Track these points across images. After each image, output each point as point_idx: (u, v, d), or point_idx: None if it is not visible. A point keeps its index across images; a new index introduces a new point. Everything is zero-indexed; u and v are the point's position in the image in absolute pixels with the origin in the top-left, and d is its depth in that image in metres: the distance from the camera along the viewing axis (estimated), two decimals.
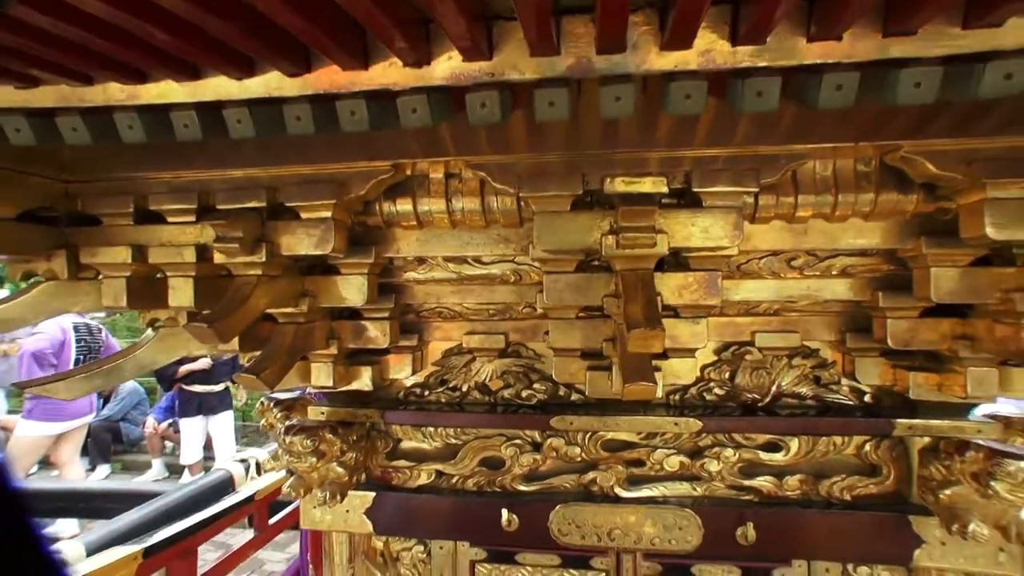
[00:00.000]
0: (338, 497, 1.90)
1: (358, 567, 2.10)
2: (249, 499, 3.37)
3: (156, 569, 2.50)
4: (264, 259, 1.50)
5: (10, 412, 7.74)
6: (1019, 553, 1.66)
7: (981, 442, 1.58)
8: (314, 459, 1.83)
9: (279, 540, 6.35)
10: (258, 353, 1.63)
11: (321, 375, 1.88)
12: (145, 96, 0.94)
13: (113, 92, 0.94)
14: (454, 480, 2.04)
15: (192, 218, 1.57)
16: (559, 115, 0.90)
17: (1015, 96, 1.11)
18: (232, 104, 0.92)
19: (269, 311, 1.74)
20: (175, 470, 8.24)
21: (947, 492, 1.63)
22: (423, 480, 2.05)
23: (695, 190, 1.31)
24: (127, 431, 9.21)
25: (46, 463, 7.02)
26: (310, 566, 3.18)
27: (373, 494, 2.04)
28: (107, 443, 8.90)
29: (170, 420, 8.38)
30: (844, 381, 1.87)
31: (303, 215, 1.52)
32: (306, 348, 1.78)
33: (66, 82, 0.90)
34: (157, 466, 8.61)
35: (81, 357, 6.76)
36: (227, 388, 7.68)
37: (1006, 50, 0.91)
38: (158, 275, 1.67)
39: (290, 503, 3.70)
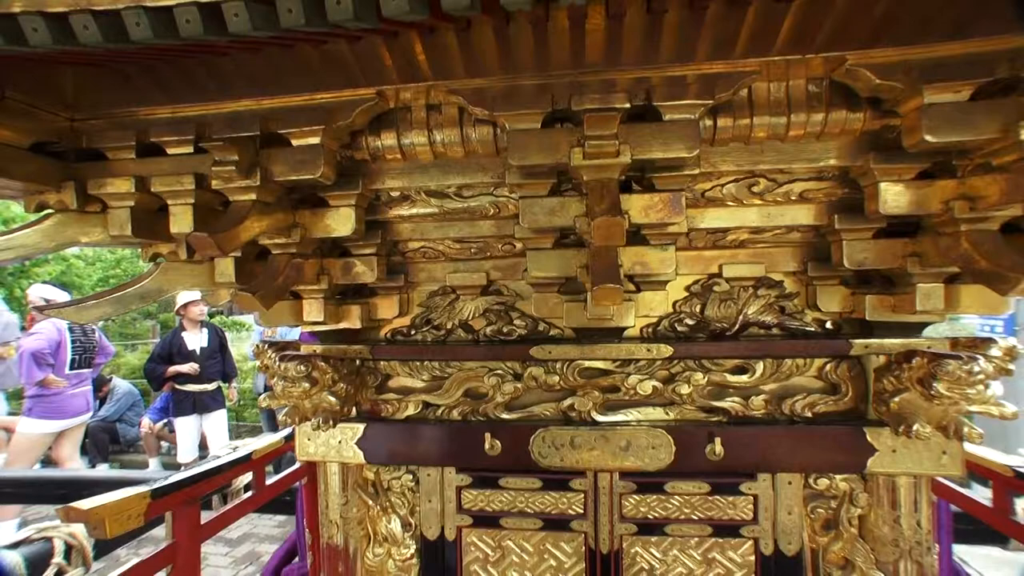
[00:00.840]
0: (330, 422, 2.01)
1: (351, 496, 2.21)
2: (246, 457, 3.45)
3: (164, 510, 2.61)
4: (258, 183, 1.61)
5: (10, 414, 7.89)
6: (959, 453, 1.79)
7: (925, 349, 1.70)
8: (307, 384, 1.94)
9: (277, 535, 6.49)
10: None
11: (312, 310, 1.99)
12: None
13: None
14: (440, 410, 2.16)
15: (190, 149, 1.67)
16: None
17: (959, 7, 1.24)
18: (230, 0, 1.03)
19: (264, 244, 1.86)
20: (172, 469, 8.33)
21: (897, 400, 1.75)
22: (410, 411, 2.17)
23: (655, 104, 1.42)
24: (123, 431, 9.37)
25: (48, 462, 7.21)
26: (307, 532, 3.29)
27: (363, 425, 2.15)
28: (105, 443, 9.06)
29: (165, 420, 8.51)
30: (807, 310, 1.98)
31: (294, 142, 1.62)
32: (298, 279, 1.89)
33: None
34: (154, 465, 8.73)
35: (76, 357, 6.99)
36: (219, 387, 7.86)
37: None
38: (159, 208, 1.77)
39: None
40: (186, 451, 7.65)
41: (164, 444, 8.92)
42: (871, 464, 1.86)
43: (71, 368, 6.90)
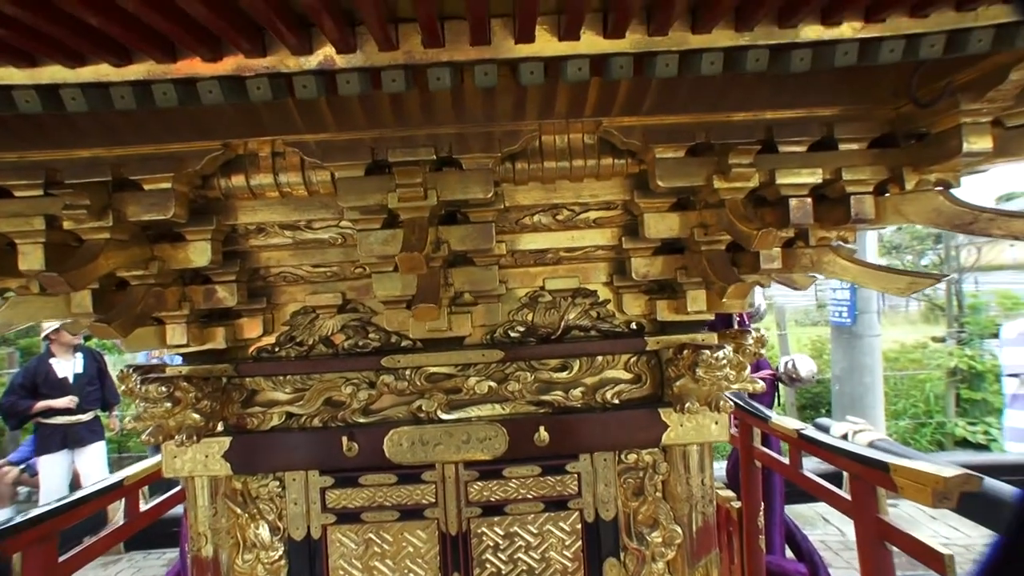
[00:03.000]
0: (194, 438, 2.16)
1: (220, 507, 2.36)
2: (117, 484, 3.38)
3: (10, 554, 2.51)
4: (111, 224, 1.76)
5: None
6: (725, 424, 2.26)
7: (689, 343, 2.15)
8: (169, 404, 2.08)
9: None
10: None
11: (176, 334, 2.14)
12: None
13: None
14: (303, 419, 2.36)
15: (40, 192, 1.78)
16: (354, 90, 1.29)
17: (691, 84, 1.64)
18: (68, 86, 1.21)
19: (123, 276, 1.99)
20: None
21: (678, 384, 2.19)
22: (275, 422, 2.36)
23: (455, 156, 1.75)
24: None
25: None
26: (188, 556, 3.31)
27: (230, 438, 2.30)
28: None
29: (23, 463, 7.40)
30: (617, 314, 2.39)
31: (146, 186, 1.79)
32: (158, 307, 2.04)
33: None
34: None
35: None
36: (96, 417, 7.07)
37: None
38: (7, 245, 1.85)
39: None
40: (52, 494, 6.60)
41: (24, 490, 7.63)
42: (665, 438, 2.29)
43: None
